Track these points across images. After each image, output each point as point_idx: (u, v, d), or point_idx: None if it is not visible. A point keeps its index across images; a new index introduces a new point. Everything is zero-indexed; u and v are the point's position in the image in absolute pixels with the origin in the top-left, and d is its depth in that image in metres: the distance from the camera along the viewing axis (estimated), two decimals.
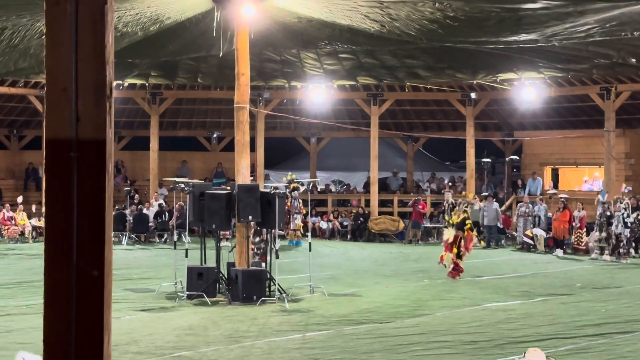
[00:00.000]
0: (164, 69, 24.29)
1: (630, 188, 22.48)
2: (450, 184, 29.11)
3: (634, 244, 21.22)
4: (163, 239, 25.29)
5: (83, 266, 3.18)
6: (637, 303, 13.94)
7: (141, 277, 16.84)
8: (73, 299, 3.17)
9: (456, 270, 17.01)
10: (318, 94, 26.35)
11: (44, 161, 3.31)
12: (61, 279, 3.19)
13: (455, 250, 16.99)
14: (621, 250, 20.60)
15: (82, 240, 3.19)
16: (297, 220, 24.52)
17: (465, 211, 17.38)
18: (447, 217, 17.92)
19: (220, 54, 16.61)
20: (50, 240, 3.23)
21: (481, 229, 24.43)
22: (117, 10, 13.65)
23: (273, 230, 14.88)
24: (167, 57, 21.66)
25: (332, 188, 30.96)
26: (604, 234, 21.14)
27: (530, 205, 24.31)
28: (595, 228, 21.70)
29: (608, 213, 21.09)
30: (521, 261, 20.68)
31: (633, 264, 20.00)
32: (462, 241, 17.07)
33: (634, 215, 20.96)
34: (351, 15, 15.21)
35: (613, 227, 20.78)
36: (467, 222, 17.29)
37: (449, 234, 17.29)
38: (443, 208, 25.87)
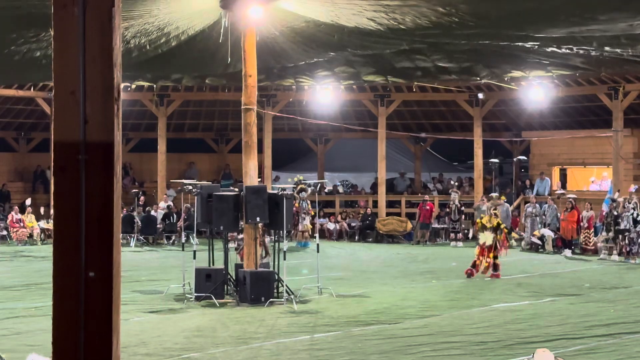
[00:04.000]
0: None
1: (637, 187, 22.38)
2: (457, 184, 28.95)
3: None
4: (171, 241, 25.31)
5: (91, 268, 3.19)
6: None
7: (149, 279, 16.87)
8: (81, 301, 3.18)
9: (498, 271, 17.11)
10: (325, 95, 26.33)
11: (52, 163, 3.32)
12: (69, 281, 3.19)
13: (492, 254, 17.11)
14: (632, 249, 20.49)
15: (91, 242, 3.20)
16: (306, 222, 24.50)
17: (495, 215, 17.48)
18: (479, 221, 18.08)
19: (228, 60, 16.55)
20: (58, 243, 3.23)
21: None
22: (124, 21, 13.58)
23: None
24: (176, 73, 21.60)
25: (340, 189, 30.92)
26: (611, 234, 21.06)
27: (537, 206, 24.22)
28: (601, 228, 21.63)
29: (615, 212, 21.01)
30: (529, 261, 20.62)
31: None
32: (498, 244, 17.26)
33: None
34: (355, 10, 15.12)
35: (622, 227, 20.69)
36: (502, 226, 17.59)
37: (485, 238, 17.33)
38: (449, 209, 25.97)
